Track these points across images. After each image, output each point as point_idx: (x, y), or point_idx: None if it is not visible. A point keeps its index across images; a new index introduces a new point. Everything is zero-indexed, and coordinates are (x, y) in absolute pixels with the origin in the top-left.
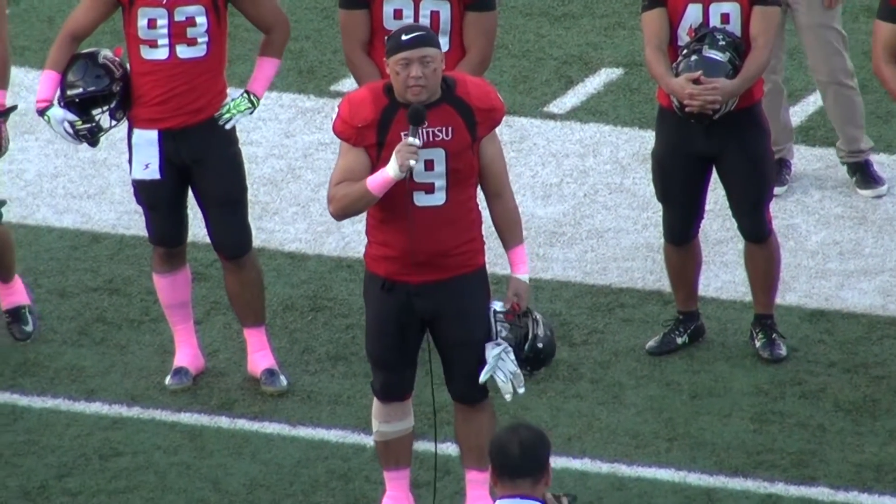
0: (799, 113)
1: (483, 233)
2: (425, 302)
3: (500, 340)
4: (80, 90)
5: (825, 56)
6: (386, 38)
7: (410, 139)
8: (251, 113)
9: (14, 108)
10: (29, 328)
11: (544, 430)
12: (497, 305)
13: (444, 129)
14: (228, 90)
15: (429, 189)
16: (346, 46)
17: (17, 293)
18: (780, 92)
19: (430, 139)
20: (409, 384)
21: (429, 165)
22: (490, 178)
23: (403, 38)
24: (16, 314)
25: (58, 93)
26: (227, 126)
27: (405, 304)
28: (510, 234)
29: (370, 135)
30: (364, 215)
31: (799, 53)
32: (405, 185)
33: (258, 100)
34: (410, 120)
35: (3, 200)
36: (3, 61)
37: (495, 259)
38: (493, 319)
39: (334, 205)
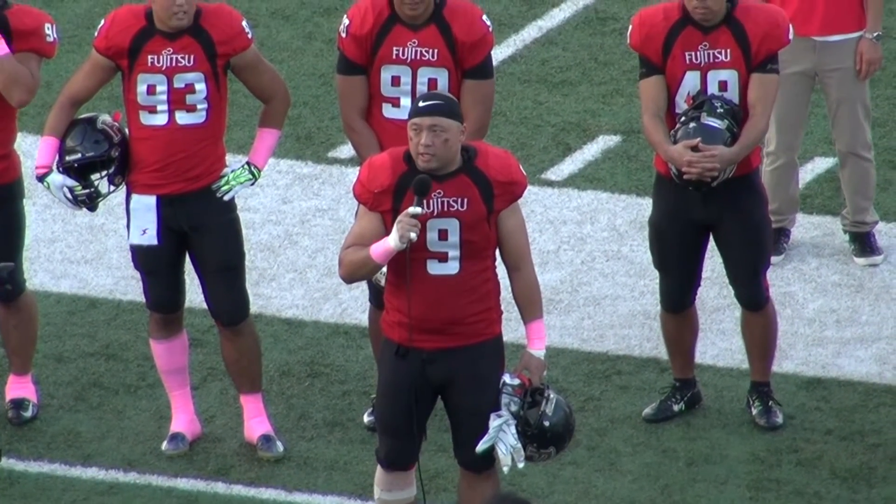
0: None
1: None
2: (438, 369)
3: (502, 412)
4: (79, 155)
5: (850, 128)
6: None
7: (412, 209)
8: (252, 184)
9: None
10: (27, 415)
11: (531, 501)
12: (508, 378)
13: (459, 199)
14: (227, 157)
15: (442, 258)
16: (344, 112)
17: (27, 389)
18: (794, 166)
19: (445, 209)
20: (414, 453)
21: (442, 235)
22: (509, 251)
23: (420, 103)
24: (19, 403)
25: (56, 158)
26: (226, 198)
27: (418, 371)
28: (528, 308)
29: (385, 201)
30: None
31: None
32: (419, 253)
33: (259, 171)
34: (415, 190)
35: (11, 265)
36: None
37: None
38: (501, 391)
39: (342, 269)
